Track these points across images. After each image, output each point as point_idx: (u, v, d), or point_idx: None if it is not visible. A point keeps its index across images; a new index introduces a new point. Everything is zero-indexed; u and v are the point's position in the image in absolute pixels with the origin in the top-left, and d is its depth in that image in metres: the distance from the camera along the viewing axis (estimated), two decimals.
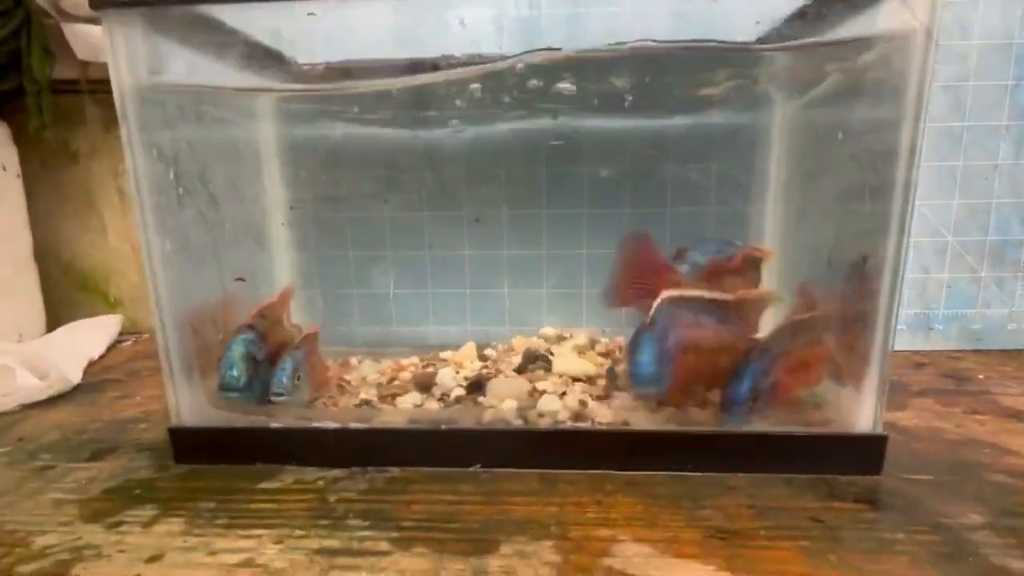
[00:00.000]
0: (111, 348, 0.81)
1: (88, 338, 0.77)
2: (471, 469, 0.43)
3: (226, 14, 0.44)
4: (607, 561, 0.33)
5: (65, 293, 0.92)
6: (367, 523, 0.37)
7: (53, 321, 0.86)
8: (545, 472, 0.43)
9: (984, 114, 0.67)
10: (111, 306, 0.92)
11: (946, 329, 0.72)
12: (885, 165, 0.38)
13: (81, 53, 0.71)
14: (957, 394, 0.57)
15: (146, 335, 0.89)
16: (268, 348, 0.48)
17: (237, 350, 0.46)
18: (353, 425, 0.44)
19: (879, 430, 0.41)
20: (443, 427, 0.44)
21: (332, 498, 0.40)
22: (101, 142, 0.84)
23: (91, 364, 0.74)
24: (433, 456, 0.43)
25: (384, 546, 0.35)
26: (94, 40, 0.71)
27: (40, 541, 0.36)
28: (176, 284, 0.44)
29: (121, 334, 0.86)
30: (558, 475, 0.42)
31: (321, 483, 0.42)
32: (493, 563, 0.33)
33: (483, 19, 0.53)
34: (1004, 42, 0.65)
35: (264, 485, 0.42)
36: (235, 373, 0.45)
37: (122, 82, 0.39)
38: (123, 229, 0.88)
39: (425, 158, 0.62)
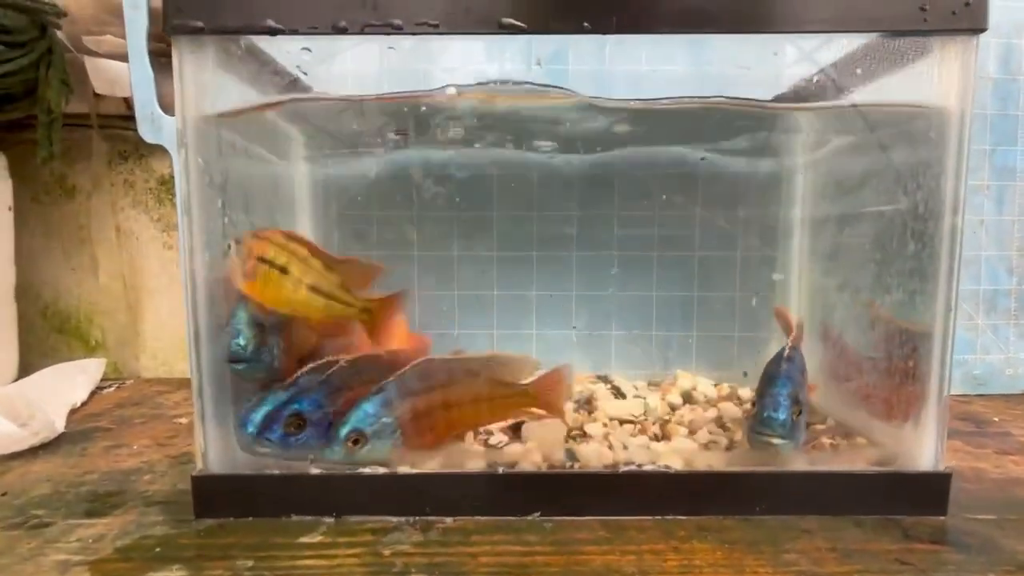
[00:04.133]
0: (93, 394, 0.74)
1: (70, 383, 0.70)
2: (530, 517, 0.40)
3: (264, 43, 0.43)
4: None
5: (41, 335, 0.85)
6: None
7: (25, 366, 0.79)
8: (608, 519, 0.40)
9: (968, 175, 0.74)
10: (91, 350, 0.85)
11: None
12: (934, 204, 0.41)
13: (100, 87, 0.70)
14: (981, 436, 0.58)
15: (129, 380, 0.83)
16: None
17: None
18: (403, 470, 0.41)
19: (942, 467, 0.41)
20: (501, 471, 0.41)
21: (386, 552, 0.36)
22: (103, 177, 0.81)
23: (73, 411, 0.67)
24: (491, 504, 0.40)
25: None
26: (114, 75, 0.70)
27: None
28: (214, 317, 0.42)
29: (103, 379, 0.79)
30: (622, 521, 0.40)
31: (369, 536, 0.38)
32: None
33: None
34: (980, 112, 0.73)
35: (305, 539, 0.38)
36: (241, 341, 0.42)
37: (186, 110, 0.38)
38: (116, 267, 0.83)
39: (456, 194, 0.62)
